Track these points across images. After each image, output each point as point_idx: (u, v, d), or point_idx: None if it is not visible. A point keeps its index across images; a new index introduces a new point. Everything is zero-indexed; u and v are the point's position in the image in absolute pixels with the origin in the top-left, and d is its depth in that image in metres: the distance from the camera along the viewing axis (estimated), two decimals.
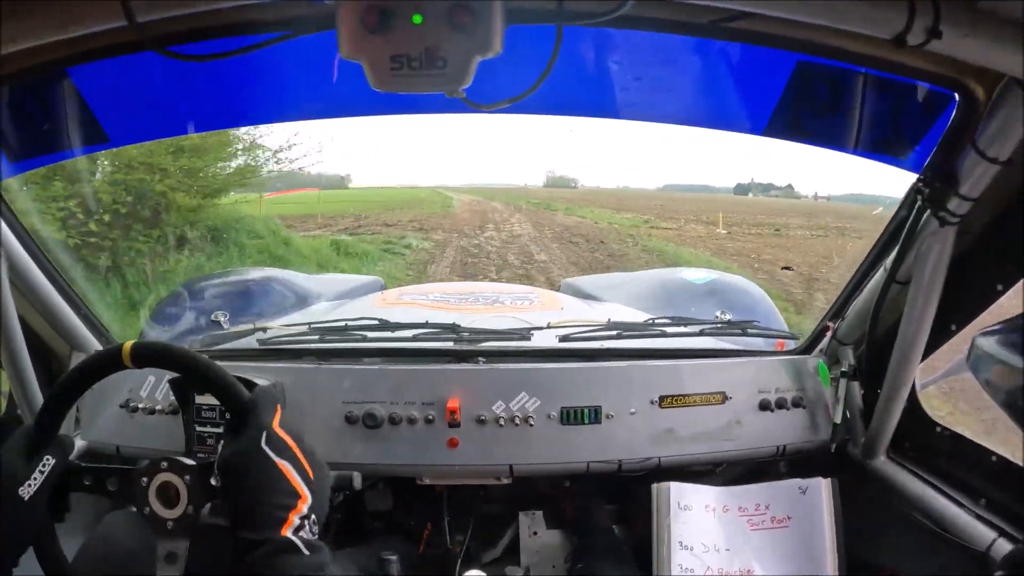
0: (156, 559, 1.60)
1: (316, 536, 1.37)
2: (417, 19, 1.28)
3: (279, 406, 1.49)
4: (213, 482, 1.57)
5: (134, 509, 1.62)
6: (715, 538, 2.16)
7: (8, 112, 1.89)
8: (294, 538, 1.32)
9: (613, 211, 36.37)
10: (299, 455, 1.43)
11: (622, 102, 2.08)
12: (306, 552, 1.31)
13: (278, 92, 2.11)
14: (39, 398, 2.15)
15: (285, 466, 1.39)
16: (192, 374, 1.60)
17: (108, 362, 1.59)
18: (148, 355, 1.59)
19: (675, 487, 2.21)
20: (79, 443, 2.41)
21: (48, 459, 1.53)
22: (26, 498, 1.48)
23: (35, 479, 1.50)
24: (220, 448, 1.46)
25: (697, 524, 2.18)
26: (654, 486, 2.22)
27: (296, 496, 1.37)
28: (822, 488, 2.20)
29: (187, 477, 1.59)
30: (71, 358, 2.42)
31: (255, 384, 2.17)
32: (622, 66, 1.98)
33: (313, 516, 1.38)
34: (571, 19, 1.44)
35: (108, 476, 1.64)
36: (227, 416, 1.58)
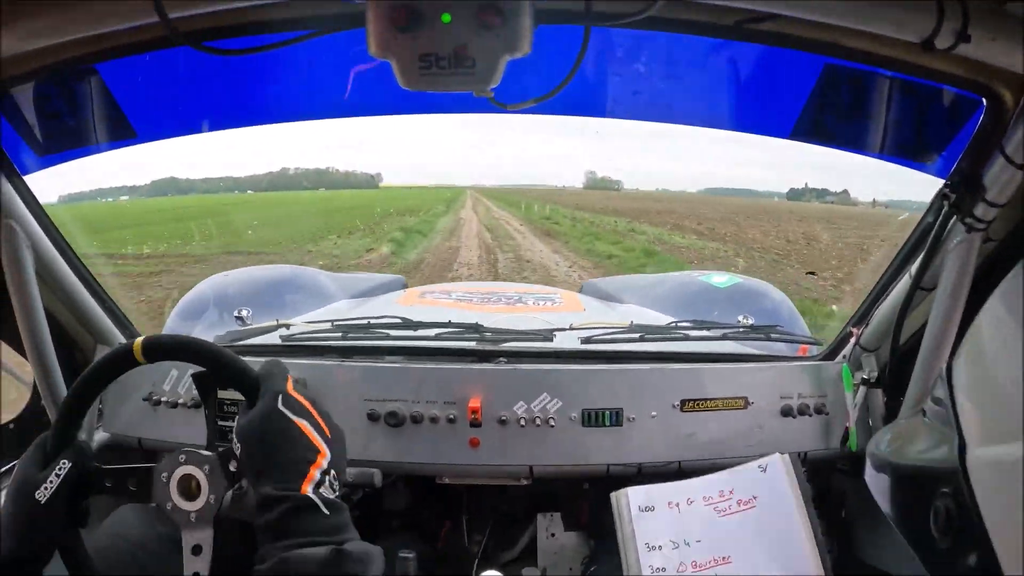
0: (181, 552, 1.62)
1: (337, 494, 1.38)
2: (446, 18, 1.29)
3: (289, 375, 1.51)
4: (232, 468, 1.59)
5: (154, 505, 1.64)
6: (684, 533, 2.13)
7: (37, 107, 1.91)
8: (314, 496, 1.32)
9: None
10: (315, 414, 1.45)
11: (647, 103, 2.08)
12: (325, 511, 1.32)
13: (306, 89, 2.12)
14: (63, 390, 2.17)
15: (303, 423, 1.41)
16: (203, 361, 1.63)
17: (121, 360, 1.61)
18: (159, 348, 1.61)
19: (632, 492, 2.17)
20: (101, 435, 2.43)
21: (64, 463, 1.55)
22: (42, 501, 1.50)
23: (51, 482, 1.52)
24: (237, 419, 1.49)
25: (663, 522, 2.15)
26: (612, 495, 2.18)
27: (315, 451, 1.39)
28: (779, 462, 2.18)
29: (206, 467, 1.60)
30: (95, 351, 2.44)
31: None
32: (648, 67, 1.97)
33: (333, 472, 1.39)
34: (599, 20, 1.44)
35: (128, 476, 1.66)
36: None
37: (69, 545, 1.60)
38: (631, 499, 2.15)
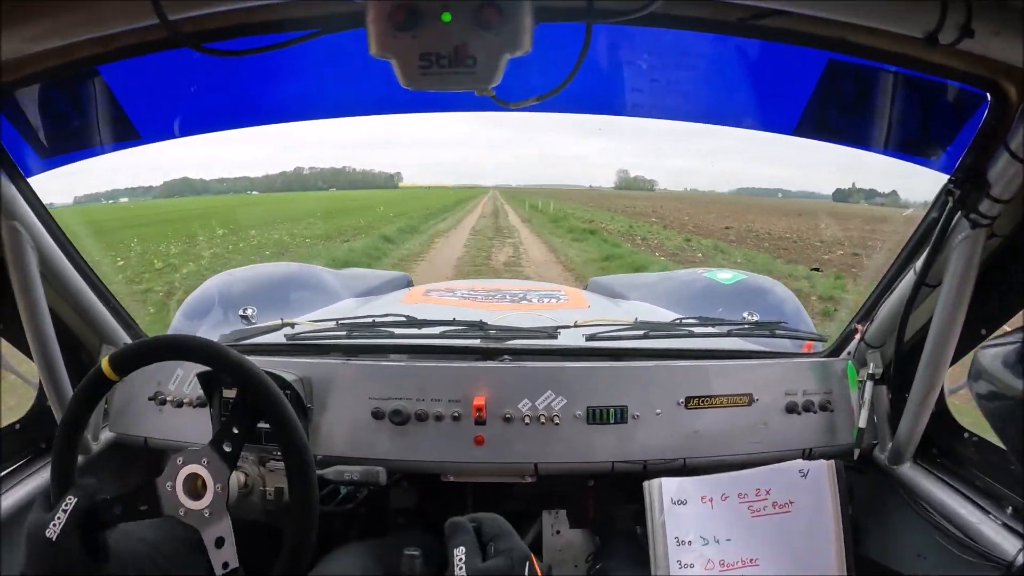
0: (197, 551, 1.64)
1: None
2: (446, 17, 1.28)
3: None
4: (227, 448, 1.66)
5: (169, 516, 1.66)
6: (715, 530, 2.12)
7: (40, 109, 1.91)
8: None
9: None
10: None
11: (650, 100, 2.08)
12: None
13: (307, 90, 2.12)
14: (68, 391, 2.17)
15: None
16: (173, 356, 1.66)
17: (95, 385, 1.64)
18: (126, 359, 1.63)
19: (666, 483, 2.15)
20: (107, 435, 2.44)
21: (69, 499, 1.57)
22: (53, 538, 1.53)
23: (59, 519, 1.54)
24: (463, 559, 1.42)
25: (694, 517, 2.13)
26: (645, 484, 2.18)
27: None
28: (824, 469, 2.16)
29: (204, 460, 1.62)
30: (100, 350, 2.45)
31: (283, 378, 2.19)
32: (650, 64, 1.97)
33: None
34: (600, 17, 1.44)
35: (135, 499, 1.67)
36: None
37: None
38: (664, 490, 2.14)
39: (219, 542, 1.63)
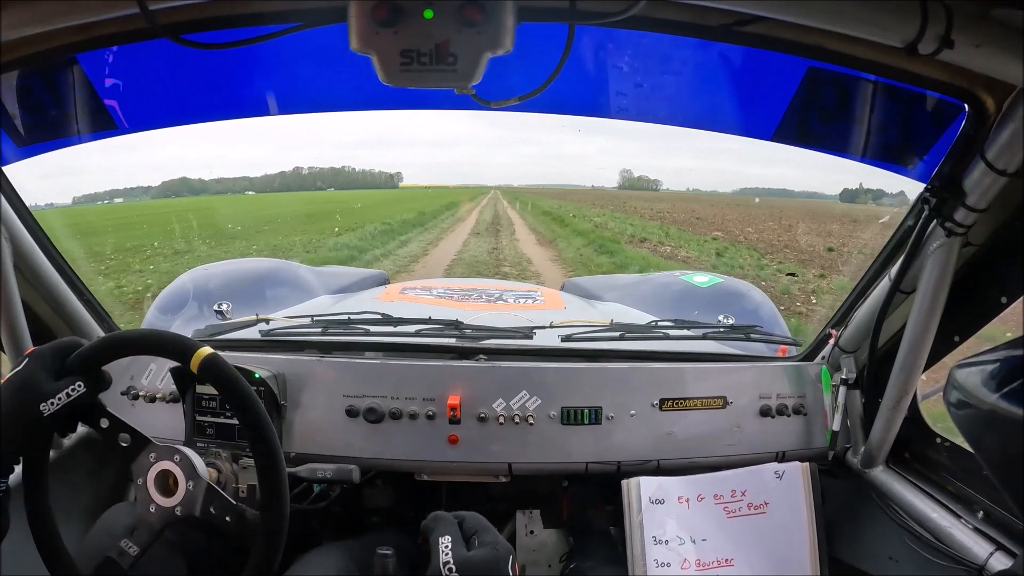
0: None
1: None
2: (428, 14, 1.29)
3: None
4: (212, 511, 1.59)
5: (131, 478, 1.62)
6: (691, 529, 2.15)
7: (17, 97, 1.89)
8: None
9: None
10: None
11: (630, 103, 2.08)
12: None
13: (286, 84, 2.10)
14: None
15: None
16: (240, 411, 1.59)
17: (176, 351, 1.57)
18: (213, 373, 1.56)
19: (644, 481, 2.20)
20: (80, 430, 2.41)
21: (79, 385, 1.50)
22: (45, 414, 1.46)
23: (59, 399, 1.47)
24: (450, 547, 1.45)
25: (671, 517, 2.16)
26: (624, 482, 2.22)
27: None
28: (798, 471, 2.19)
29: (191, 483, 1.59)
30: None
31: (253, 373, 2.17)
32: (632, 67, 1.97)
33: None
34: (582, 18, 1.44)
35: (120, 430, 1.63)
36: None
37: (37, 457, 1.56)
38: (643, 489, 2.17)
39: (137, 534, 1.59)
